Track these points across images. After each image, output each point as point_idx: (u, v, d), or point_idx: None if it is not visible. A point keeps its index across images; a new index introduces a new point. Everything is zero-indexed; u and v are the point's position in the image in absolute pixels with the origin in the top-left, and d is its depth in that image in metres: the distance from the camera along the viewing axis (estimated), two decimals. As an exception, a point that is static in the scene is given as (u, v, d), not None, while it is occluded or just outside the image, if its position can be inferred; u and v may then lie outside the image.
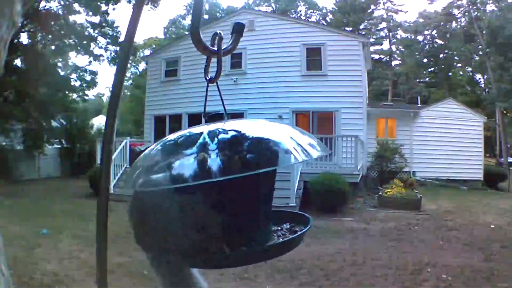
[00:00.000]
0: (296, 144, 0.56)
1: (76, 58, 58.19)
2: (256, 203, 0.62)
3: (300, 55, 14.30)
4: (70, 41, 16.49)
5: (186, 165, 0.54)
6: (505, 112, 28.12)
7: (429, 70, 38.46)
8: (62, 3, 15.56)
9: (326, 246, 6.37)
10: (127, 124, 30.68)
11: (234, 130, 0.58)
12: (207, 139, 0.55)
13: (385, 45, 39.88)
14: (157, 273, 0.62)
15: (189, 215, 0.56)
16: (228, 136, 0.56)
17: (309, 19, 36.88)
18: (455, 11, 35.15)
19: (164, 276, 0.61)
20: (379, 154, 14.19)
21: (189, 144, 0.57)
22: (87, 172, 11.41)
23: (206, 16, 34.49)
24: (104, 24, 16.87)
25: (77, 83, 17.94)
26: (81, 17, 38.41)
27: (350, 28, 34.85)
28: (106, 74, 73.36)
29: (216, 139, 0.55)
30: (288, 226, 0.69)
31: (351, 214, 9.38)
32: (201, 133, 0.58)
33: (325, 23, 35.81)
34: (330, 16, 41.61)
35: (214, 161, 0.53)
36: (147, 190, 0.56)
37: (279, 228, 0.68)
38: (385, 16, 39.56)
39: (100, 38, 17.44)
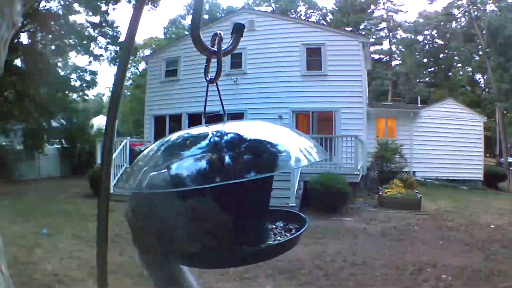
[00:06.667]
0: (300, 147, 0.57)
1: (76, 58, 58.29)
2: (255, 204, 0.62)
3: (300, 55, 14.30)
4: (70, 41, 16.50)
5: (189, 166, 0.53)
6: (505, 112, 28.13)
7: (429, 70, 38.48)
8: (62, 3, 15.57)
9: (326, 246, 6.38)
10: (127, 124, 30.68)
11: (235, 133, 0.57)
12: (212, 141, 0.55)
13: (385, 45, 39.99)
14: (150, 273, 0.61)
15: (188, 216, 0.56)
16: (231, 138, 0.56)
17: (309, 19, 36.89)
18: (455, 11, 35.15)
19: (157, 276, 0.61)
20: (379, 154, 14.19)
21: (191, 145, 0.57)
22: (87, 172, 11.42)
23: (206, 16, 34.51)
24: (104, 24, 16.88)
25: (77, 83, 17.95)
26: (81, 17, 38.58)
27: (350, 28, 34.84)
28: (106, 74, 73.54)
29: (219, 141, 0.55)
30: (282, 224, 0.69)
31: (351, 214, 9.38)
32: (202, 134, 0.58)
33: (325, 23, 35.82)
34: (330, 16, 41.65)
35: (219, 164, 0.53)
36: (148, 192, 0.56)
37: (274, 226, 0.68)
38: (385, 16, 39.61)
39: (100, 38, 17.47)
